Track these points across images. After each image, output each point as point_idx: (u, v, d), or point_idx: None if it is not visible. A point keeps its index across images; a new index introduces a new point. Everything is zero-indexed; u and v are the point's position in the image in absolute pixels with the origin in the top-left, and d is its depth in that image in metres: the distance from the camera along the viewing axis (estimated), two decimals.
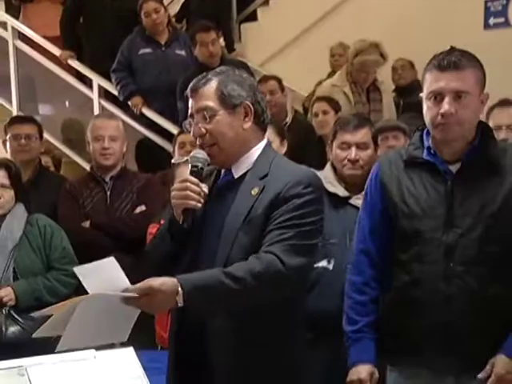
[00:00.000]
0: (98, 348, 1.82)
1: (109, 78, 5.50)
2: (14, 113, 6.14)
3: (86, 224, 3.66)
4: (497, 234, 2.23)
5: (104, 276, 1.87)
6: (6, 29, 6.36)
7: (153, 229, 3.32)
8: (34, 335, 1.94)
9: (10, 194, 3.22)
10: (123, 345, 1.93)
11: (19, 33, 6.30)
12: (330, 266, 2.88)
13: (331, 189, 2.97)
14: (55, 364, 1.72)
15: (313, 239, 2.09)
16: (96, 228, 3.65)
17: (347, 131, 3.00)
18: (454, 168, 2.29)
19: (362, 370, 2.36)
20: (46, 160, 4.58)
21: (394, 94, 5.69)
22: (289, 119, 4.76)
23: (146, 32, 5.34)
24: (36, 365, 1.70)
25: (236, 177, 2.17)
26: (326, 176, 3.03)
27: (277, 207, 2.05)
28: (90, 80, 5.81)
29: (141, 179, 3.84)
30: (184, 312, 2.05)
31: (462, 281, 2.23)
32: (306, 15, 6.58)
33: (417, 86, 5.80)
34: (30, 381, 1.66)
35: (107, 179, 3.77)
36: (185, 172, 2.27)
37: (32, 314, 2.13)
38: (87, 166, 4.92)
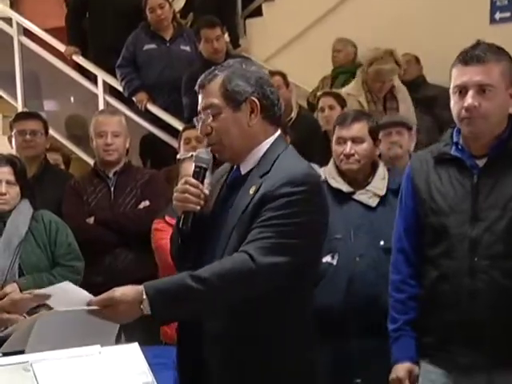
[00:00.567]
0: (103, 344, 1.83)
1: (113, 74, 5.51)
2: (19, 109, 6.15)
3: (91, 220, 3.67)
4: None
5: (65, 295, 1.93)
6: (11, 25, 6.37)
7: (157, 224, 3.32)
8: (0, 350, 1.97)
9: (15, 190, 3.22)
10: (128, 340, 1.94)
11: (24, 28, 6.31)
12: (334, 262, 2.88)
13: (334, 184, 2.98)
14: (60, 360, 1.72)
15: (296, 238, 1.99)
16: (100, 223, 3.66)
17: (343, 126, 3.03)
18: (481, 162, 2.28)
19: (401, 369, 2.37)
20: (56, 157, 4.54)
21: None
22: (294, 114, 4.75)
23: (151, 28, 5.34)
24: (41, 360, 1.70)
25: (243, 173, 2.14)
26: (329, 171, 3.04)
27: (263, 206, 2.01)
28: (95, 76, 5.82)
29: (145, 175, 3.84)
30: None
31: (488, 275, 2.22)
32: (311, 10, 6.56)
33: (422, 82, 5.81)
34: (35, 376, 1.67)
35: (111, 175, 3.78)
36: (190, 168, 2.26)
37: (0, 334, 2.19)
38: (92, 162, 4.92)
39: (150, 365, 1.81)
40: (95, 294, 1.93)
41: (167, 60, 5.24)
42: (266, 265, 1.95)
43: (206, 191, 2.13)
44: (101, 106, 5.63)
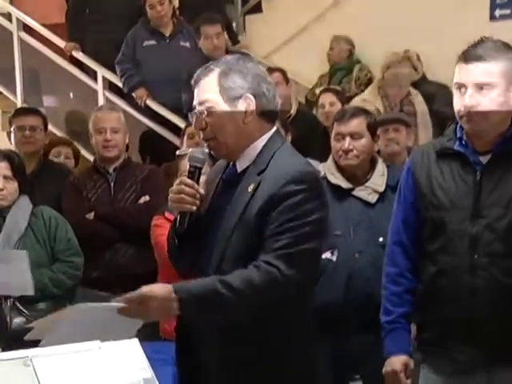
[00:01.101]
0: (103, 339, 1.83)
1: (113, 70, 5.50)
2: (19, 104, 6.15)
3: (91, 216, 3.67)
4: None
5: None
6: (10, 20, 6.36)
7: (157, 220, 3.32)
8: (25, 338, 1.98)
9: (12, 185, 3.22)
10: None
11: (24, 24, 6.30)
12: (334, 258, 2.88)
13: (334, 180, 2.99)
14: (60, 355, 1.73)
15: (312, 239, 2.02)
16: (100, 219, 3.66)
17: (342, 122, 3.03)
18: (484, 159, 2.27)
19: (396, 361, 2.35)
20: (67, 151, 4.50)
21: None
22: (293, 111, 4.75)
23: (151, 24, 5.34)
24: (41, 355, 1.70)
25: (239, 170, 2.13)
26: (328, 167, 3.05)
27: (271, 209, 2.00)
28: (94, 72, 5.81)
29: (144, 170, 3.84)
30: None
31: (487, 272, 2.21)
32: (310, 7, 6.55)
33: (422, 78, 5.80)
34: (35, 371, 1.67)
35: (111, 171, 3.78)
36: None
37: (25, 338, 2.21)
38: (92, 158, 4.92)
39: (149, 360, 1.81)
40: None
41: (167, 56, 5.24)
42: (293, 276, 1.97)
43: (202, 191, 2.12)
44: (100, 102, 5.63)
